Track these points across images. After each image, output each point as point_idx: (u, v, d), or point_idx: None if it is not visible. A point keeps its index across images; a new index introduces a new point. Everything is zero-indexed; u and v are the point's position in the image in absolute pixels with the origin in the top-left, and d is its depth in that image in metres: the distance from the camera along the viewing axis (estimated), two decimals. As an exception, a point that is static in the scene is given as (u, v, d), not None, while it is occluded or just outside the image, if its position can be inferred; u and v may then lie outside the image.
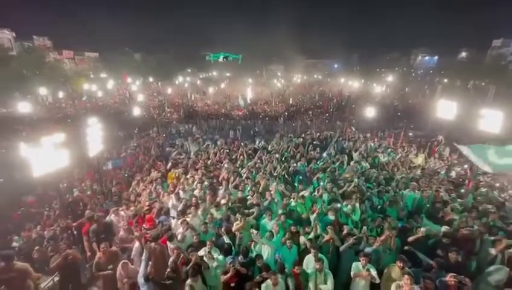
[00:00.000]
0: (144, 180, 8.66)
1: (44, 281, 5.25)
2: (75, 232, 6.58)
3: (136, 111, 18.22)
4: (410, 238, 5.00)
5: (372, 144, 11.88)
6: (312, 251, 4.58)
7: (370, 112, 15.16)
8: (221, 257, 4.79)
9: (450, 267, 4.26)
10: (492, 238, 5.00)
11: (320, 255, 4.56)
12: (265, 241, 4.99)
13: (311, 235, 5.19)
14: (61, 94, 31.08)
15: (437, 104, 12.00)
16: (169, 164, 9.62)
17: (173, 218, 6.28)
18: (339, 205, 6.13)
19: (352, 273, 4.40)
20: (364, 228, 5.23)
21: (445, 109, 11.25)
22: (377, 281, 4.23)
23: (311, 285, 4.33)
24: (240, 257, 4.69)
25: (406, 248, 4.95)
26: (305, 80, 58.82)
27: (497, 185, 8.23)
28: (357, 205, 6.07)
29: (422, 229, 5.00)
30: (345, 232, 5.16)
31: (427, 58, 62.01)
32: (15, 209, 8.74)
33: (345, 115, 21.61)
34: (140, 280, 4.72)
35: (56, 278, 5.31)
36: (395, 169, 9.09)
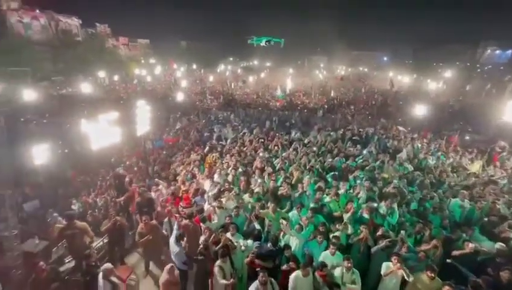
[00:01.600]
0: (183, 162, 9.21)
1: (96, 241, 6.00)
2: (122, 203, 7.31)
3: (180, 96, 19.20)
4: (456, 252, 4.57)
5: (420, 145, 10.91)
6: (331, 246, 4.49)
7: (420, 110, 13.82)
8: (250, 242, 4.93)
9: (501, 287, 3.82)
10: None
11: (338, 253, 4.48)
12: (293, 233, 4.99)
13: (338, 233, 5.04)
14: (116, 77, 34.12)
15: (505, 106, 10.41)
16: (207, 148, 10.05)
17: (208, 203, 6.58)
18: (375, 205, 5.81)
19: (382, 272, 4.20)
20: (403, 232, 4.90)
21: (516, 111, 9.70)
22: (410, 278, 3.99)
23: (338, 283, 4.23)
24: (269, 244, 4.77)
25: (448, 260, 4.55)
26: (350, 72, 55.72)
27: None
28: (395, 207, 5.70)
29: (471, 245, 4.52)
30: (379, 233, 4.90)
31: (497, 52, 53.49)
32: (74, 176, 10.02)
33: (391, 111, 20.07)
34: (172, 239, 5.10)
35: (105, 240, 6.03)
36: (443, 175, 8.25)
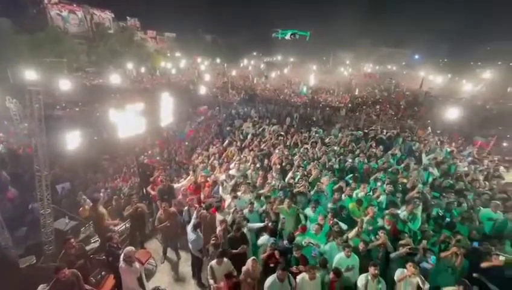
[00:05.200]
0: (202, 154, 9.42)
1: (119, 225, 6.36)
2: (145, 191, 7.64)
3: (202, 90, 19.56)
4: (484, 264, 4.28)
5: (448, 149, 10.26)
6: (346, 249, 4.37)
7: (452, 113, 12.96)
8: (265, 237, 4.96)
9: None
10: None
11: (353, 255, 4.35)
12: (312, 239, 4.91)
13: (352, 234, 4.88)
14: (143, 70, 35.45)
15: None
16: (226, 142, 10.19)
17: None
18: (398, 211, 5.58)
19: (396, 277, 4.05)
20: (424, 242, 4.66)
21: None
22: (426, 286, 3.80)
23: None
24: (285, 242, 4.76)
25: (474, 275, 4.26)
26: (377, 70, 53.47)
27: None
28: (418, 213, 5.44)
29: (501, 257, 4.21)
30: (402, 242, 4.64)
31: (547, 51, 48.50)
32: (102, 162, 10.63)
33: (420, 113, 19.07)
34: (189, 227, 5.28)
35: (127, 225, 6.36)
36: (475, 183, 7.70)
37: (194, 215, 5.51)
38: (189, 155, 10.41)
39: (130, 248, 4.45)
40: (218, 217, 5.57)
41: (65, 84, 17.41)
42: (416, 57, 62.26)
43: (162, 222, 5.66)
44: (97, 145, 11.50)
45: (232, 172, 7.46)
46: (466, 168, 8.58)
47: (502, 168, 8.95)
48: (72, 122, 13.22)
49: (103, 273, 5.23)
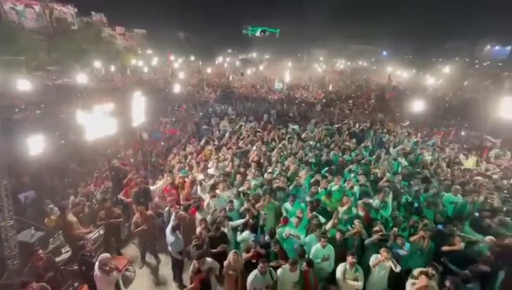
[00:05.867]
0: (179, 154, 9.19)
1: (92, 232, 6.03)
2: (119, 196, 7.30)
3: (177, 88, 18.98)
4: (445, 248, 4.65)
5: (415, 140, 10.98)
6: (322, 239, 4.51)
7: (417, 106, 13.86)
8: (246, 233, 4.99)
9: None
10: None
11: (329, 245, 4.52)
12: (293, 231, 5.00)
13: (329, 226, 5.06)
14: (112, 68, 33.58)
15: (501, 102, 10.47)
16: (203, 141, 10.03)
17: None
18: (370, 201, 5.88)
19: (371, 263, 4.28)
20: (395, 229, 4.96)
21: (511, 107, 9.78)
22: (398, 269, 4.06)
23: (339, 278, 4.23)
24: (267, 237, 4.81)
25: (442, 259, 4.61)
26: (349, 66, 55.47)
27: None
28: (389, 200, 5.78)
29: (462, 244, 4.60)
30: (376, 228, 4.91)
31: (497, 48, 53.30)
32: (70, 167, 9.97)
33: (389, 106, 20.12)
34: (168, 229, 5.15)
35: (101, 231, 6.05)
36: (439, 170, 8.34)
37: (173, 217, 5.39)
38: (165, 156, 10.11)
39: (105, 255, 4.25)
40: (198, 216, 5.50)
41: (24, 85, 15.97)
42: (384, 53, 65.40)
43: (138, 225, 5.47)
44: (64, 150, 10.75)
45: (210, 171, 7.37)
46: (430, 157, 9.24)
47: (461, 156, 9.76)
48: (34, 125, 12.21)
49: (76, 284, 4.96)
